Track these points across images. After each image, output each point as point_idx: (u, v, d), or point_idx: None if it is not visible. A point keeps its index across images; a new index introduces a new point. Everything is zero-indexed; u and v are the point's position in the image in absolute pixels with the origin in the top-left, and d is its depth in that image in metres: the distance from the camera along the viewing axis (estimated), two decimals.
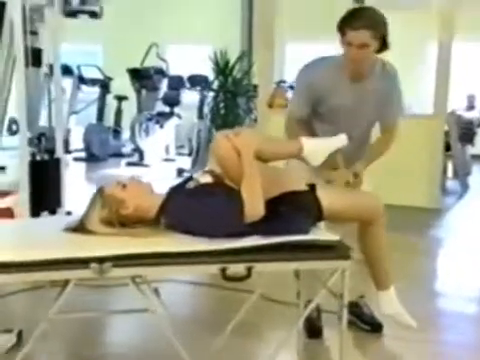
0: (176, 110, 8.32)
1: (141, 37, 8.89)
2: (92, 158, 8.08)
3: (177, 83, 8.20)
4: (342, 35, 2.44)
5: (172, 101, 8.20)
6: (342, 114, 2.59)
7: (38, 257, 1.81)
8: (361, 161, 2.59)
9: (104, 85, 8.42)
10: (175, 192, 2.13)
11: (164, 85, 8.36)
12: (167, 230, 2.05)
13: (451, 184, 7.02)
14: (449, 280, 3.92)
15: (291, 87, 8.78)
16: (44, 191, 4.43)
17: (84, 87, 8.61)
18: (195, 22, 10.06)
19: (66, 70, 8.81)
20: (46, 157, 4.60)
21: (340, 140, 2.32)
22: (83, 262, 1.85)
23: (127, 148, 8.79)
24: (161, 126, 8.15)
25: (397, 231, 4.61)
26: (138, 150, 8.05)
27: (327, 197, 2.20)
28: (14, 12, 4.07)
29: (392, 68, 2.66)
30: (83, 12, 6.50)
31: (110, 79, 8.50)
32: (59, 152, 4.64)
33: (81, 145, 8.55)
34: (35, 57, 4.56)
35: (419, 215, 5.52)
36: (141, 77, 7.90)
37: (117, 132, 8.52)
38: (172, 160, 8.21)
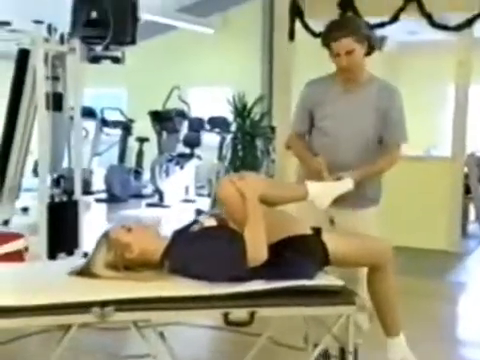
0: (196, 151, 8.41)
1: (164, 80, 9.08)
2: (113, 199, 8.17)
3: (197, 125, 8.31)
4: (329, 49, 2.54)
5: (192, 142, 8.30)
6: (337, 124, 2.61)
7: (40, 302, 1.83)
8: (356, 171, 2.52)
9: (126, 127, 8.57)
10: (179, 236, 2.15)
11: (185, 127, 8.47)
12: (171, 274, 2.06)
13: (472, 227, 6.92)
14: (471, 326, 3.82)
15: None
16: (62, 232, 4.50)
17: (107, 129, 8.77)
18: (216, 66, 10.25)
19: (90, 113, 9.02)
20: (65, 199, 4.67)
21: (346, 184, 2.35)
22: (85, 306, 1.86)
23: (148, 189, 8.88)
24: (181, 167, 8.23)
25: (416, 275, 4.56)
26: (158, 191, 8.12)
27: (333, 241, 2.20)
28: (37, 59, 4.21)
29: (392, 85, 2.70)
30: (106, 58, 6.68)
31: (132, 121, 8.66)
32: (77, 194, 4.71)
33: (103, 186, 8.66)
34: (56, 101, 4.68)
35: (439, 259, 5.44)
36: (162, 119, 8.03)
37: (138, 173, 8.63)
38: (192, 201, 8.26)
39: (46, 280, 2.09)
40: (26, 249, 4.27)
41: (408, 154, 7.55)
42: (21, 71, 4.42)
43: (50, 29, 4.41)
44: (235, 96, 6.71)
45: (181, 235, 2.16)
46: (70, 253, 4.57)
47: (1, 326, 1.83)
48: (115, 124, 8.66)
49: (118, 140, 8.70)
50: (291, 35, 5.91)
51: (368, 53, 2.60)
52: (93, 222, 7.83)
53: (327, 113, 2.64)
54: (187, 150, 8.36)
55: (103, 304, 1.87)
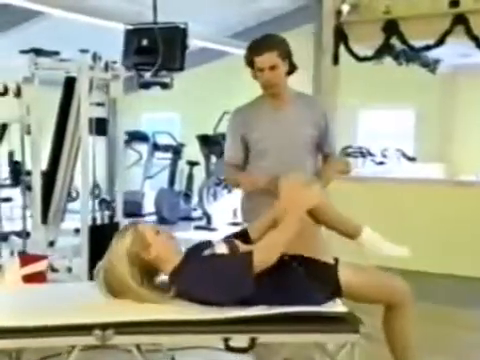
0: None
1: (215, 105, 9.21)
2: (162, 221, 8.30)
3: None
4: (252, 67, 2.55)
5: None
6: (275, 142, 2.59)
7: (39, 323, 1.86)
8: (321, 180, 2.56)
9: (176, 151, 8.72)
10: (190, 257, 2.16)
11: None
12: (175, 298, 2.07)
13: None
14: None
15: (362, 153, 8.75)
16: (102, 254, 4.60)
17: (158, 153, 8.96)
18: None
19: (143, 137, 9.25)
20: (106, 221, 4.78)
21: (401, 250, 2.32)
22: (87, 328, 1.88)
23: (197, 212, 8.97)
24: (229, 191, 8.28)
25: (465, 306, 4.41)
26: (206, 214, 8.19)
27: (348, 273, 2.16)
28: (82, 86, 4.38)
29: (317, 99, 2.75)
30: (155, 84, 6.86)
31: (182, 145, 8.81)
32: (119, 216, 4.81)
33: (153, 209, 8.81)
34: (101, 127, 4.83)
35: None
36: (210, 143, 8.13)
37: (188, 196, 8.74)
38: (239, 224, 8.26)
39: (54, 301, 2.14)
40: (53, 270, 4.41)
41: (460, 179, 7.46)
42: (67, 98, 4.60)
43: (95, 57, 4.57)
44: None
45: (192, 257, 2.17)
46: None
47: (2, 347, 1.87)
48: (166, 148, 8.84)
49: (169, 163, 8.86)
50: (335, 59, 5.90)
51: (290, 71, 2.61)
52: None
53: (262, 135, 2.61)
54: None
55: (104, 327, 1.89)
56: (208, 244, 2.23)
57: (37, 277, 2.36)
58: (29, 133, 4.25)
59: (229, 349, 1.91)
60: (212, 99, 10.40)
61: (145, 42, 5.84)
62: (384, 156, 8.73)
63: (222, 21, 9.91)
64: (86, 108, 4.43)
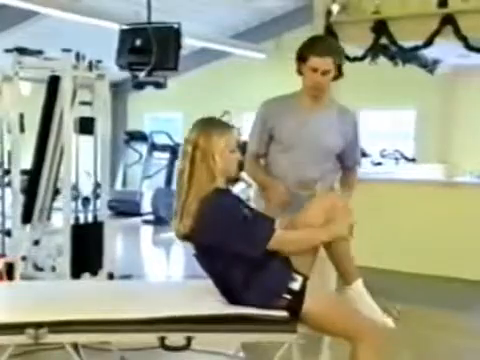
0: (243, 175, 8.43)
1: (217, 105, 9.21)
2: (159, 221, 8.32)
3: (244, 149, 8.33)
4: (304, 61, 2.53)
5: (242, 166, 8.33)
6: (298, 141, 2.59)
7: None
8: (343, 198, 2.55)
9: (173, 151, 8.74)
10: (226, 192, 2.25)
11: None
12: (123, 293, 2.08)
13: None
14: None
15: (363, 154, 8.71)
16: (85, 253, 4.62)
17: (156, 153, 8.98)
18: (269, 90, 10.28)
19: (142, 137, 9.29)
20: (90, 220, 4.80)
21: (386, 321, 2.26)
22: (20, 327, 1.87)
23: None
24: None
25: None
26: None
27: (314, 300, 2.12)
28: (64, 85, 4.41)
29: (351, 110, 2.75)
30: (149, 83, 6.87)
31: (179, 145, 8.82)
32: (103, 215, 4.82)
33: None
34: (86, 125, 4.85)
35: None
36: None
37: None
38: None
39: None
40: (38, 269, 4.42)
41: (451, 179, 7.37)
42: (51, 96, 4.63)
43: (78, 57, 4.59)
44: None
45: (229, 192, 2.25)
46: (94, 273, 4.69)
47: None
48: (164, 148, 8.86)
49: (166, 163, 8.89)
50: None
51: (336, 78, 2.62)
52: (142, 244, 8.03)
53: (290, 131, 2.61)
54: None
55: (38, 325, 1.88)
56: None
57: None
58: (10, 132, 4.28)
59: (165, 348, 1.90)
60: (214, 99, 10.41)
61: (139, 42, 5.85)
62: (383, 157, 8.67)
63: (224, 21, 9.93)
64: (68, 107, 4.45)
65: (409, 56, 7.08)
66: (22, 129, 4.41)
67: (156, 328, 1.92)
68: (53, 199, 4.94)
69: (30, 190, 4.74)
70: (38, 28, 8.03)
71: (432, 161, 8.83)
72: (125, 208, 8.45)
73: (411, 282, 5.23)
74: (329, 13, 5.77)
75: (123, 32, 6.14)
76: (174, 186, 8.87)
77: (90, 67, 4.69)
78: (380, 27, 5.52)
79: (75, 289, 2.10)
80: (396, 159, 8.74)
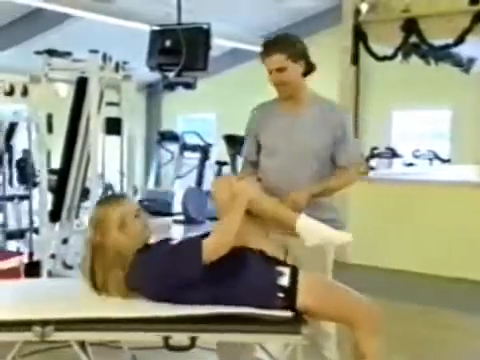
0: None
1: (249, 105, 9.22)
2: (190, 221, 8.36)
3: None
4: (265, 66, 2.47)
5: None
6: (282, 145, 2.51)
7: None
8: (309, 187, 2.41)
9: (204, 151, 8.78)
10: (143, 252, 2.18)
11: None
12: (129, 294, 2.09)
13: None
14: None
15: (394, 154, 8.59)
16: None
17: (187, 153, 9.04)
18: None
19: (174, 137, 9.36)
20: None
21: (343, 235, 2.25)
22: (27, 324, 1.89)
23: None
24: None
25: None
26: None
27: (306, 294, 2.06)
28: (91, 86, 4.47)
29: (340, 105, 2.62)
30: (179, 84, 6.93)
31: (210, 145, 8.86)
32: None
33: None
34: (113, 126, 4.91)
35: None
36: (235, 143, 8.13)
37: None
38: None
39: (11, 298, 2.15)
40: (67, 267, 4.49)
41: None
42: (79, 97, 4.70)
43: (105, 58, 4.65)
44: None
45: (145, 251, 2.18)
46: None
47: None
48: (194, 148, 8.91)
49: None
50: (354, 59, 5.81)
51: (307, 73, 2.51)
52: None
53: (272, 136, 2.54)
54: None
55: (44, 323, 1.89)
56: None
57: (10, 273, 2.40)
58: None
59: (169, 348, 1.90)
60: (246, 99, 10.36)
61: (168, 43, 5.90)
62: (416, 157, 8.53)
63: (255, 22, 9.92)
64: (95, 107, 4.51)
65: (441, 55, 6.96)
66: (50, 129, 4.49)
67: (161, 327, 1.92)
68: (81, 198, 5.01)
69: (59, 189, 4.82)
70: (72, 31, 8.16)
71: (468, 162, 8.64)
72: (157, 207, 8.51)
73: (450, 286, 5.10)
74: (358, 12, 5.72)
75: (153, 33, 6.21)
76: (205, 186, 8.89)
77: (117, 68, 4.73)
78: (410, 25, 5.45)
79: (84, 287, 2.11)
80: (430, 160, 8.59)
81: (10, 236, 4.92)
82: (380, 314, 2.13)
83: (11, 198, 5.57)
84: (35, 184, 4.64)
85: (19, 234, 4.79)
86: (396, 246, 5.53)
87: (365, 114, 9.14)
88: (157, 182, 9.93)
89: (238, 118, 9.77)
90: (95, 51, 4.61)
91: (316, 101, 2.57)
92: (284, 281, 2.06)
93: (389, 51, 5.78)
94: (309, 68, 2.51)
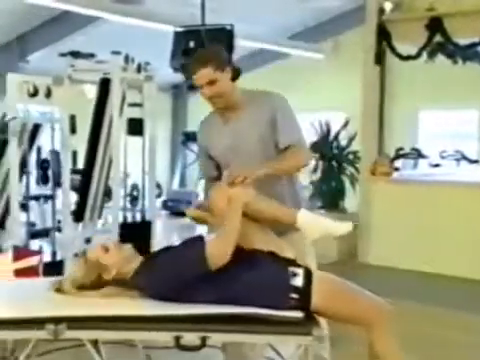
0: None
1: None
2: None
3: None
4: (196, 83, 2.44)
5: None
6: (230, 155, 2.49)
7: None
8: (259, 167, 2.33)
9: None
10: (148, 258, 2.20)
11: None
12: (139, 293, 2.10)
13: None
14: None
15: (420, 155, 8.48)
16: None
17: None
18: (328, 91, 10.22)
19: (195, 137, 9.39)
20: (138, 219, 4.90)
21: (343, 227, 2.24)
22: (40, 322, 1.91)
23: None
24: None
25: None
26: None
27: (321, 288, 2.06)
28: (113, 86, 4.52)
29: (272, 93, 2.58)
30: None
31: None
32: (151, 215, 4.90)
33: None
34: (135, 127, 4.95)
35: None
36: None
37: None
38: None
39: (14, 296, 2.19)
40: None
41: None
42: (102, 98, 4.75)
43: (127, 59, 4.70)
44: (322, 121, 6.69)
45: (148, 257, 2.21)
46: None
47: None
48: None
49: None
50: (378, 58, 5.77)
51: (235, 77, 2.48)
52: None
53: (218, 148, 2.52)
54: None
55: (57, 321, 1.91)
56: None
57: (29, 272, 2.45)
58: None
59: (180, 347, 1.91)
60: None
61: (192, 44, 5.95)
62: (442, 158, 8.40)
63: (281, 22, 9.90)
64: (117, 108, 4.56)
65: (469, 54, 6.84)
66: (73, 130, 4.55)
67: (172, 327, 1.92)
68: (104, 198, 5.07)
69: (82, 189, 4.88)
70: (98, 33, 8.25)
71: None
72: (181, 208, 8.56)
73: (477, 289, 5.03)
74: (382, 11, 5.67)
75: (177, 34, 6.26)
76: None
77: (139, 69, 4.77)
78: (435, 24, 5.38)
79: None
80: (457, 160, 8.45)
81: (34, 235, 5.00)
82: (393, 313, 2.11)
83: (37, 198, 5.67)
84: (59, 184, 4.70)
85: (44, 233, 4.86)
86: (420, 248, 5.47)
87: (391, 114, 9.08)
88: (182, 183, 9.97)
89: None
90: (117, 52, 4.66)
91: (249, 98, 2.54)
92: (298, 282, 2.05)
93: (413, 50, 5.72)
94: (236, 72, 2.49)
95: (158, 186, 10.21)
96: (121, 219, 4.79)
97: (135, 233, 4.78)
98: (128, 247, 2.27)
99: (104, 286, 2.15)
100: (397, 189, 5.78)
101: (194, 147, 9.55)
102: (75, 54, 4.81)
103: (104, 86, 4.75)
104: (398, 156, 7.61)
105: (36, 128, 4.58)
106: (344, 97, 9.77)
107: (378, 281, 5.27)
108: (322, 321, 2.08)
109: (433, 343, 3.55)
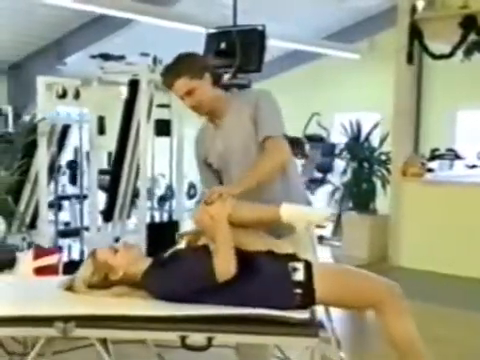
0: (330, 177, 8.28)
1: (310, 107, 9.17)
2: None
3: (330, 150, 8.20)
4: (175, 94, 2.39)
5: (325, 168, 8.21)
6: (224, 160, 2.44)
7: (2, 313, 1.94)
8: (236, 182, 2.31)
9: None
10: (156, 260, 2.22)
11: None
12: (148, 293, 2.12)
13: None
14: None
15: (456, 155, 8.30)
16: (159, 251, 4.76)
17: None
18: (364, 91, 10.11)
19: None
20: (165, 219, 4.95)
21: (324, 212, 2.24)
22: (49, 320, 1.94)
23: None
24: (312, 192, 8.17)
25: None
26: None
27: (324, 278, 2.05)
28: (141, 88, 4.57)
29: (253, 90, 2.50)
30: (233, 86, 6.96)
31: None
32: (177, 214, 4.94)
33: None
34: (162, 127, 5.00)
35: None
36: (292, 144, 8.04)
37: None
38: (324, 226, 8.15)
39: (28, 294, 2.22)
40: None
41: None
42: (130, 99, 4.82)
43: (155, 60, 4.75)
44: (352, 121, 6.61)
45: (157, 259, 2.23)
46: None
47: None
48: None
49: None
50: (410, 57, 5.66)
51: (215, 82, 2.40)
52: None
53: (213, 155, 2.47)
54: (320, 175, 8.30)
55: (66, 319, 1.94)
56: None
57: (49, 270, 2.49)
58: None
59: (186, 347, 1.91)
60: (308, 100, 10.35)
61: (223, 45, 5.96)
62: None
63: (316, 22, 9.85)
64: (145, 109, 4.61)
65: None
66: (102, 131, 4.62)
67: (177, 327, 1.93)
68: (133, 198, 5.13)
69: (111, 189, 4.95)
70: (132, 35, 8.36)
71: None
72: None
73: None
74: (414, 10, 5.57)
75: (209, 36, 6.28)
76: None
77: None
78: (469, 22, 5.25)
79: None
80: None
81: (65, 234, 5.10)
82: (402, 293, 2.08)
83: (69, 197, 5.78)
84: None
85: (74, 232, 4.95)
86: (452, 250, 5.35)
87: (428, 114, 8.91)
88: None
89: (299, 118, 9.76)
90: (146, 54, 4.72)
91: (232, 100, 2.46)
92: (299, 276, 2.05)
93: (447, 49, 5.59)
94: (216, 76, 2.43)
95: (193, 186, 10.26)
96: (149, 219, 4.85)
97: (162, 233, 4.82)
98: (137, 249, 2.28)
99: (115, 285, 2.18)
100: (429, 190, 5.66)
101: None
102: (105, 56, 4.88)
103: (133, 87, 4.81)
104: (433, 157, 7.47)
105: (66, 129, 4.66)
106: (380, 97, 9.63)
107: (409, 284, 5.19)
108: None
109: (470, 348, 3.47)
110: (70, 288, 2.20)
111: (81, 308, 2.02)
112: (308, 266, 2.09)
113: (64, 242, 4.86)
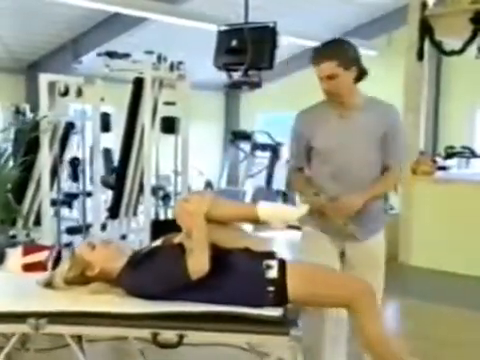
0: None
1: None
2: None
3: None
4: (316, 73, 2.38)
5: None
6: (338, 151, 2.43)
7: None
8: (361, 191, 2.34)
9: (274, 150, 8.72)
10: (132, 257, 2.21)
11: None
12: (120, 290, 2.12)
13: None
14: None
15: (473, 153, 8.17)
16: None
17: (258, 152, 9.05)
18: (381, 87, 9.98)
19: (246, 136, 9.40)
20: (169, 217, 4.95)
21: (300, 210, 2.22)
22: (22, 317, 1.94)
23: None
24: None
25: None
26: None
27: (297, 274, 2.06)
28: (145, 85, 4.58)
29: (393, 107, 2.49)
30: (244, 83, 6.94)
31: (279, 144, 8.78)
32: None
33: None
34: (168, 125, 5.00)
35: None
36: None
37: (286, 195, 8.69)
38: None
39: (8, 290, 2.23)
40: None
41: None
42: (136, 96, 4.84)
43: (160, 58, 4.75)
44: None
45: (134, 257, 2.22)
46: None
47: None
48: (264, 147, 8.88)
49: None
50: (420, 54, 5.58)
51: (359, 78, 2.41)
52: None
53: (326, 141, 2.45)
54: None
55: (39, 315, 1.94)
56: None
57: (37, 266, 2.50)
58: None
59: (157, 344, 1.91)
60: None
61: (235, 42, 5.94)
62: None
63: (334, 18, 9.78)
64: (149, 106, 4.62)
65: None
66: (106, 129, 4.64)
67: (149, 324, 1.93)
68: (139, 196, 5.14)
69: (117, 187, 4.97)
70: (147, 34, 8.38)
71: None
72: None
73: None
74: (424, 6, 5.48)
75: (220, 33, 6.26)
76: (274, 186, 8.78)
77: (171, 68, 4.82)
78: (479, 18, 5.14)
79: None
80: None
81: (71, 231, 5.13)
82: (374, 291, 2.09)
83: (76, 195, 5.82)
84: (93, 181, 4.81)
85: (80, 229, 4.98)
86: (463, 250, 5.26)
87: (445, 111, 8.79)
88: (230, 181, 10.00)
89: None
90: (150, 52, 4.73)
91: (368, 103, 2.49)
92: (273, 274, 2.04)
93: (459, 45, 5.49)
94: (361, 73, 2.43)
95: (209, 184, 10.27)
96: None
97: (167, 230, 4.82)
98: (115, 245, 2.28)
99: (92, 282, 2.18)
100: (439, 188, 5.57)
101: (242, 145, 9.55)
102: (111, 54, 4.90)
103: (138, 85, 4.83)
104: (448, 155, 7.36)
105: (69, 127, 4.69)
106: (396, 94, 9.53)
107: (419, 283, 5.13)
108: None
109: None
110: (49, 284, 2.20)
111: (55, 305, 2.02)
112: (282, 264, 2.08)
113: (72, 239, 4.89)
